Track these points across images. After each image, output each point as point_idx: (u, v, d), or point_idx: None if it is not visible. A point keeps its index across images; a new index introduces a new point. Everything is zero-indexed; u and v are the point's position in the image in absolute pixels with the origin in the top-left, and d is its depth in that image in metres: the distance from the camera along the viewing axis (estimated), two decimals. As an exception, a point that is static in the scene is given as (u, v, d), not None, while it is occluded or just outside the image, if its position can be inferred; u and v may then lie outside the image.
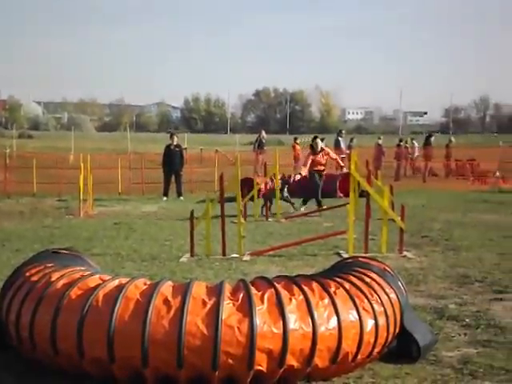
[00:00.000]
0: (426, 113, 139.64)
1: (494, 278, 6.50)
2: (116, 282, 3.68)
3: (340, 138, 25.07)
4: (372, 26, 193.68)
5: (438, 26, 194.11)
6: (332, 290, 3.80)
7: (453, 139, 29.25)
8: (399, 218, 8.14)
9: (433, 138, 27.05)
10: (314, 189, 12.90)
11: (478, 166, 24.63)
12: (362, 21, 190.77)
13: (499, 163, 23.61)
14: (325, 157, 13.11)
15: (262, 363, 3.36)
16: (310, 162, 12.89)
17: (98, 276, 3.84)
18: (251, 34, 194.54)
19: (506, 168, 23.46)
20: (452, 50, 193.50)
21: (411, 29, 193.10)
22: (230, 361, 3.32)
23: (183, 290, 3.51)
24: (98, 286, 3.64)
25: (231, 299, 3.47)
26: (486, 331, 4.71)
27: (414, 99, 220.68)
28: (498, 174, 22.20)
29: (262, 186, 12.53)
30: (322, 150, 13.07)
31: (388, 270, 4.32)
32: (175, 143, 17.44)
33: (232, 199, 8.40)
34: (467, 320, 4.98)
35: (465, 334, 4.65)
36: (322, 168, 13.17)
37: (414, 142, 28.94)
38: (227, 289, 3.57)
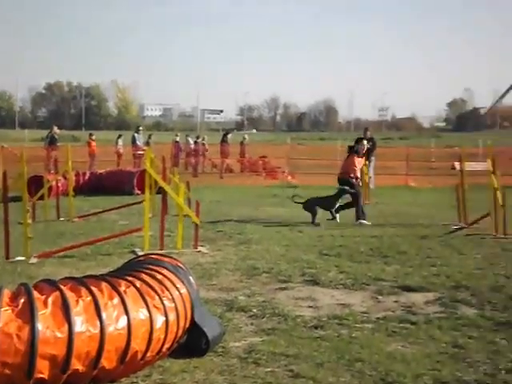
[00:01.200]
0: (222, 111, 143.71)
1: (279, 268, 6.89)
2: None
3: (137, 135, 24.92)
4: (169, 23, 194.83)
5: (228, 26, 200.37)
6: (122, 289, 3.76)
7: (246, 137, 30.54)
8: (194, 214, 8.29)
9: (230, 136, 27.97)
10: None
11: (269, 162, 26.02)
12: (156, 16, 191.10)
13: (287, 159, 25.11)
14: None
15: (43, 370, 3.22)
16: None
17: None
18: (43, 23, 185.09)
19: (293, 164, 25.05)
20: (244, 51, 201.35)
21: (205, 28, 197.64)
22: (8, 371, 3.12)
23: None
24: None
25: (10, 305, 3.27)
26: (271, 320, 4.98)
27: (211, 97, 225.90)
28: (286, 170, 23.59)
29: (54, 184, 12.00)
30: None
31: (180, 265, 4.37)
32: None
33: (19, 198, 7.91)
34: (254, 310, 5.22)
35: (251, 324, 4.87)
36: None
37: (189, 138, 29.38)
38: (6, 294, 3.36)
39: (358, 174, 11.72)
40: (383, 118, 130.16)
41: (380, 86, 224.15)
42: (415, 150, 31.39)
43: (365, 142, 11.96)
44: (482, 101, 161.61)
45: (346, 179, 11.33)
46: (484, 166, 10.83)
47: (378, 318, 5.04)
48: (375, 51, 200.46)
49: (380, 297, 5.77)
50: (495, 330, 4.73)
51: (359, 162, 11.69)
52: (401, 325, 4.86)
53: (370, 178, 16.82)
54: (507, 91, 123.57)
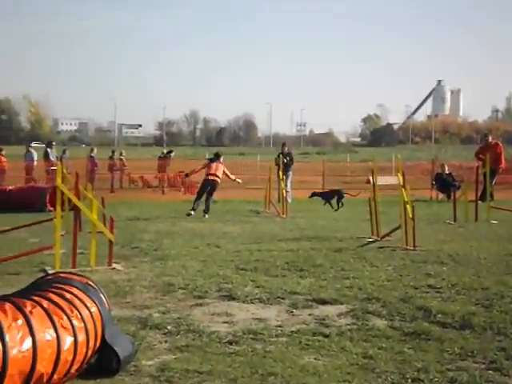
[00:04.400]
0: (140, 125, 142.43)
1: (195, 284, 6.82)
2: None
3: (49, 150, 24.30)
4: (82, 34, 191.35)
5: (143, 37, 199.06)
6: (28, 309, 3.62)
7: (165, 151, 30.36)
8: (108, 230, 8.12)
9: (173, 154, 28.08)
10: None
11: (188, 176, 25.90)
12: (69, 27, 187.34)
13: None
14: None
15: None
16: None
17: None
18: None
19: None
20: (164, 64, 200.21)
21: (119, 39, 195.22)
22: None
23: None
24: None
25: None
26: (186, 336, 4.92)
27: (128, 112, 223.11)
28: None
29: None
30: None
31: (90, 283, 4.25)
32: None
33: None
34: (169, 327, 5.14)
35: (165, 342, 4.79)
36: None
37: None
38: None
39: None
40: (301, 133, 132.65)
41: (298, 102, 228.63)
42: (332, 165, 32.08)
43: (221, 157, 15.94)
44: (395, 116, 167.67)
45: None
46: (396, 179, 11.15)
47: (292, 332, 5.07)
48: (292, 66, 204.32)
49: (295, 310, 5.82)
50: (403, 340, 4.85)
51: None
52: (314, 337, 4.91)
53: (287, 192, 17.05)
54: (418, 107, 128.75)
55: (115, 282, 6.96)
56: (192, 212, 14.63)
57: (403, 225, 9.66)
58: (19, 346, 3.40)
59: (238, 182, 16.46)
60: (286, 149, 20.11)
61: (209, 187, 15.27)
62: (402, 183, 9.94)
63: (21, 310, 3.58)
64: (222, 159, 16.02)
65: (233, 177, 16.17)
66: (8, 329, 3.40)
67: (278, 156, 19.25)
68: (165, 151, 30.31)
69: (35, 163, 25.07)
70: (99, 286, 4.32)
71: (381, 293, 6.40)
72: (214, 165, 15.55)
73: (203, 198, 15.14)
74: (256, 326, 5.22)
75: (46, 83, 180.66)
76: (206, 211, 14.87)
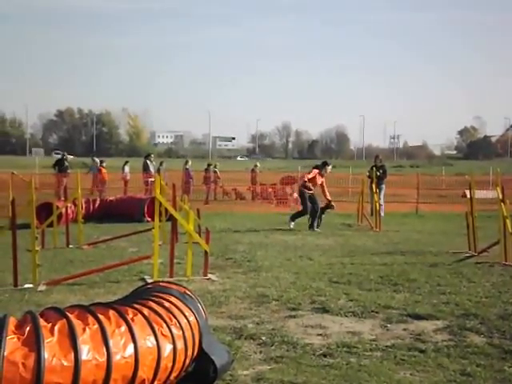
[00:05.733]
0: (234, 138, 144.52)
1: (289, 296, 6.87)
2: None
3: (148, 162, 25.07)
4: (169, 50, 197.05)
5: (238, 52, 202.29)
6: (130, 316, 3.77)
7: (258, 164, 30.65)
8: (204, 242, 8.31)
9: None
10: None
11: (282, 189, 26.04)
12: (160, 44, 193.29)
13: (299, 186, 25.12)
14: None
15: (50, 398, 3.22)
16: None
17: None
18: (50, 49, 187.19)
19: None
20: (257, 77, 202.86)
21: (214, 54, 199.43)
22: (13, 400, 3.13)
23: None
24: None
25: (16, 333, 3.28)
26: (280, 347, 4.97)
27: (222, 124, 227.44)
28: (295, 195, 23.58)
29: (63, 211, 12.09)
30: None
31: (188, 293, 4.38)
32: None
33: (29, 225, 7.96)
34: (263, 338, 5.21)
35: (260, 352, 4.86)
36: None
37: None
38: (12, 322, 3.37)
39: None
40: (394, 145, 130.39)
41: (391, 114, 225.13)
42: (426, 178, 31.31)
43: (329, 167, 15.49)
44: (493, 129, 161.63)
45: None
46: (494, 193, 10.77)
47: (386, 346, 5.02)
48: (387, 77, 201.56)
49: (389, 325, 5.74)
50: (503, 358, 4.69)
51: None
52: (409, 353, 4.83)
53: (380, 205, 16.80)
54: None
55: (211, 292, 7.11)
56: (317, 229, 14.33)
57: (502, 240, 9.32)
58: (122, 351, 3.54)
59: (332, 206, 15.18)
60: (380, 161, 19.85)
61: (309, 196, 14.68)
62: (500, 197, 9.60)
63: (123, 317, 3.73)
64: (328, 168, 15.30)
65: (328, 196, 15.16)
66: (112, 335, 3.55)
67: (371, 169, 19.03)
68: (258, 164, 30.60)
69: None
70: (196, 295, 4.44)
71: (479, 309, 6.21)
72: (313, 171, 15.03)
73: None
74: (350, 340, 5.20)
75: (145, 97, 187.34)
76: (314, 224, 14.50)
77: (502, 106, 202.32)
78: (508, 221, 9.29)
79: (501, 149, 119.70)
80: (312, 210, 14.50)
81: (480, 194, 16.91)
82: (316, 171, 14.97)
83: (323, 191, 15.10)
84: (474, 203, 10.67)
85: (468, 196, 10.99)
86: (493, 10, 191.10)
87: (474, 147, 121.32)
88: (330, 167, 15.48)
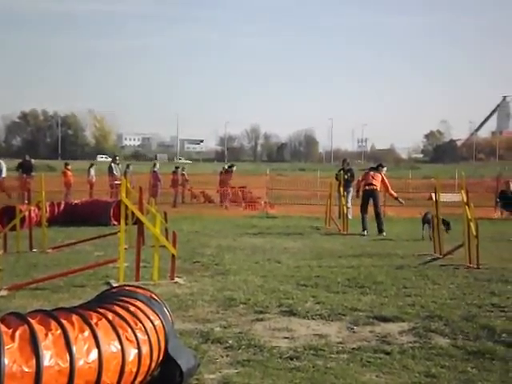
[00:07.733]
0: (202, 141, 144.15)
1: (256, 299, 6.86)
2: None
3: (113, 165, 24.82)
4: (148, 51, 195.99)
5: (207, 54, 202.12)
6: (94, 321, 3.72)
7: (226, 166, 30.56)
8: (171, 245, 8.25)
9: (234, 168, 27.88)
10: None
11: (250, 192, 26.03)
12: (127, 45, 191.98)
13: (267, 190, 25.18)
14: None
15: (10, 406, 3.16)
16: None
17: None
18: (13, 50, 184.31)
19: (272, 195, 25.10)
20: (226, 79, 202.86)
21: (183, 57, 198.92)
22: (-29, 407, 3.06)
23: None
24: None
25: (-26, 340, 3.22)
26: (247, 351, 4.95)
27: (190, 127, 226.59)
28: (265, 200, 23.64)
29: (27, 214, 11.89)
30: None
31: (154, 297, 4.34)
32: None
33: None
34: (230, 342, 5.19)
35: (227, 356, 4.84)
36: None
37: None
38: (-30, 329, 3.30)
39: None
40: (362, 149, 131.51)
41: (360, 117, 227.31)
42: (393, 181, 31.56)
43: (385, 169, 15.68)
44: (459, 133, 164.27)
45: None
46: (459, 197, 10.92)
47: (353, 349, 5.04)
48: (356, 81, 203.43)
49: (356, 327, 5.77)
50: (467, 359, 4.75)
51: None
52: (375, 355, 4.86)
53: (348, 208, 16.90)
54: (483, 123, 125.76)
55: (178, 296, 7.07)
56: (365, 232, 14.43)
57: (466, 242, 9.45)
58: (86, 357, 3.49)
59: (401, 203, 15.55)
60: (347, 165, 19.99)
61: (370, 198, 14.90)
62: (465, 200, 9.74)
63: (87, 322, 3.68)
64: (383, 170, 15.59)
65: (394, 194, 15.48)
66: (75, 340, 3.49)
67: (339, 172, 19.15)
68: (226, 166, 30.56)
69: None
70: (162, 299, 4.40)
71: (443, 311, 6.28)
72: (371, 173, 15.22)
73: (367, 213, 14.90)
74: (317, 343, 5.21)
75: (111, 99, 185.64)
76: (381, 228, 14.55)
77: (468, 111, 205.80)
78: (472, 224, 9.42)
79: (466, 152, 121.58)
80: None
81: (445, 197, 17.13)
82: (379, 175, 15.22)
83: (387, 189, 15.56)
84: (439, 206, 10.81)
85: (434, 199, 11.10)
86: (459, 13, 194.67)
87: (440, 151, 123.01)
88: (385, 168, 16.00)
